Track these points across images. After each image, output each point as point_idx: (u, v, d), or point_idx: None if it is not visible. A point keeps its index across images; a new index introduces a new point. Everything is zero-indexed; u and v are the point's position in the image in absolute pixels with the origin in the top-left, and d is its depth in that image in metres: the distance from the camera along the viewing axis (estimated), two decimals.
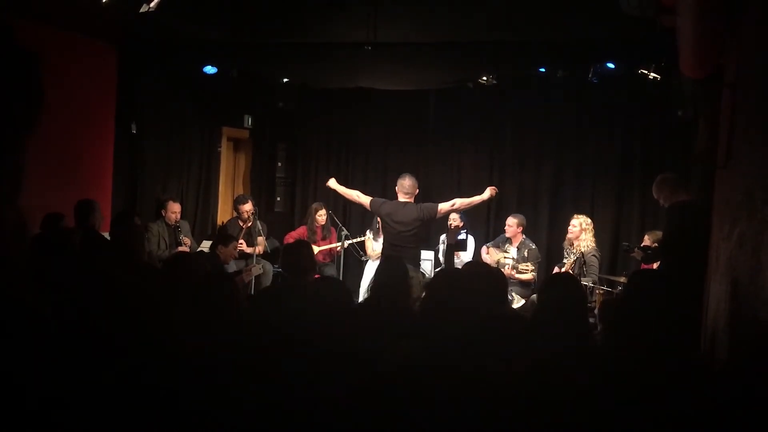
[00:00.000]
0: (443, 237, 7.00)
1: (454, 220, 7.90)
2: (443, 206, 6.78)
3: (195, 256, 6.25)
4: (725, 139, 3.42)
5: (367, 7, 6.07)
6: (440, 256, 8.06)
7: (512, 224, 8.17)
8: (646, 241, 7.11)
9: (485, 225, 9.25)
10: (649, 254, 6.45)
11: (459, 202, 6.94)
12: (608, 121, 8.73)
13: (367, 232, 8.76)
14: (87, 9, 6.02)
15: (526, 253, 8.05)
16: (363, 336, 3.26)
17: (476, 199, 7.03)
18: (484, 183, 9.37)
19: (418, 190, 6.87)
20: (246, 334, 2.95)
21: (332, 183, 7.50)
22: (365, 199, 7.03)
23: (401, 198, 6.74)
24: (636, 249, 6.80)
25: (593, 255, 7.61)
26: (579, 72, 7.79)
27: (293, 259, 4.70)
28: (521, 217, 8.25)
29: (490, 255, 8.20)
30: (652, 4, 4.00)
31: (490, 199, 7.19)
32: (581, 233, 7.71)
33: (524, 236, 8.21)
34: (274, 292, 4.94)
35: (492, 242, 8.50)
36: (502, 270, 7.68)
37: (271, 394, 2.50)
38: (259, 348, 2.81)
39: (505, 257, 8.02)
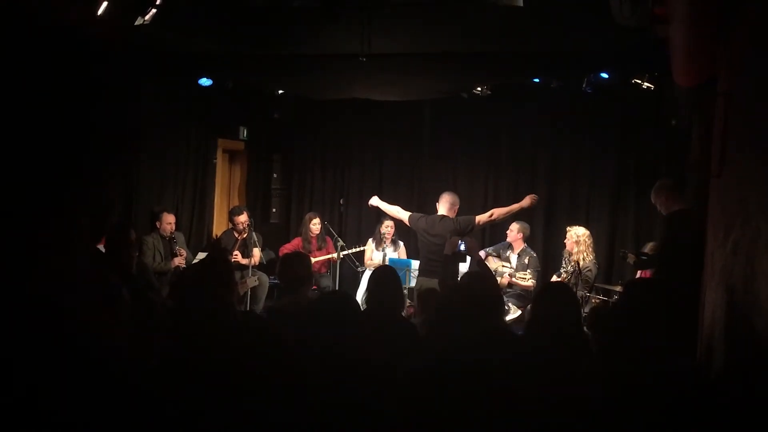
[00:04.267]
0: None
1: None
2: (481, 217, 6.78)
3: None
4: (719, 147, 3.43)
5: (361, 18, 6.09)
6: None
7: (513, 229, 8.20)
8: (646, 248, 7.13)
9: (481, 233, 9.25)
10: (644, 260, 6.45)
11: (497, 212, 6.92)
12: (602, 130, 8.77)
13: (369, 240, 8.76)
14: (83, 22, 6.02)
15: (526, 260, 8.07)
16: (363, 347, 3.25)
17: (515, 206, 6.94)
18: (479, 192, 9.41)
19: (458, 205, 6.86)
20: (249, 343, 2.94)
21: (375, 201, 7.35)
22: (404, 215, 7.02)
23: (440, 212, 6.78)
24: (629, 254, 6.81)
25: (590, 269, 7.61)
26: (573, 82, 7.83)
27: (290, 270, 4.68)
28: (524, 224, 8.29)
29: (489, 262, 8.20)
30: (645, 14, 4.03)
31: (531, 208, 7.04)
32: (573, 246, 7.73)
33: (526, 244, 8.24)
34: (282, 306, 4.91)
35: (492, 248, 8.50)
36: (500, 279, 7.71)
37: (275, 402, 2.49)
38: (266, 358, 2.80)
39: (503, 266, 8.03)
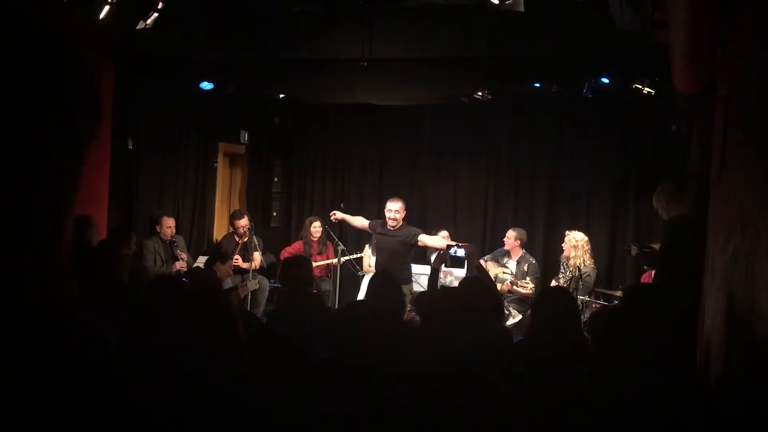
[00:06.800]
0: (433, 257, 6.97)
1: (444, 237, 7.97)
2: (424, 238, 7.10)
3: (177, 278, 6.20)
4: (719, 152, 3.43)
5: (362, 23, 6.10)
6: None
7: (510, 236, 8.18)
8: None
9: (482, 239, 9.26)
10: (646, 253, 6.39)
11: (437, 240, 7.25)
12: (603, 135, 8.77)
13: (366, 247, 8.75)
14: (83, 25, 6.04)
15: (525, 268, 8.04)
16: (360, 348, 3.25)
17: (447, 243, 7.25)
18: (479, 197, 9.42)
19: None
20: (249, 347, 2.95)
21: (339, 215, 7.59)
22: (366, 222, 7.43)
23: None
24: (633, 246, 6.77)
25: (589, 274, 7.60)
26: (574, 87, 7.84)
27: (291, 273, 4.68)
28: (521, 230, 8.27)
29: (489, 269, 8.19)
30: (645, 19, 4.03)
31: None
32: (571, 250, 7.73)
33: (524, 251, 8.22)
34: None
35: (490, 255, 8.50)
36: (500, 285, 7.70)
37: (274, 403, 2.50)
38: (262, 360, 2.80)
39: (504, 272, 8.02)
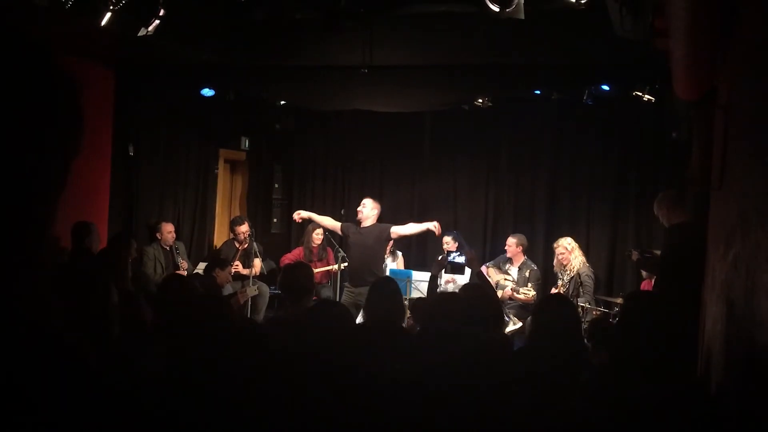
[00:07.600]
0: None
1: (446, 243, 7.95)
2: (396, 229, 7.15)
3: (188, 278, 6.23)
4: (719, 159, 3.43)
5: (363, 30, 6.11)
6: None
7: (511, 244, 8.18)
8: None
9: (482, 245, 9.25)
10: (648, 258, 6.38)
11: (411, 227, 7.28)
12: (603, 142, 8.78)
13: None
14: (85, 32, 6.05)
15: (527, 274, 8.04)
16: (362, 354, 3.25)
17: (423, 226, 7.20)
18: (480, 203, 9.41)
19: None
20: (250, 355, 2.94)
21: (303, 213, 7.70)
22: (337, 224, 7.52)
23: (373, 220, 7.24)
24: (634, 251, 6.77)
25: (587, 275, 7.61)
26: (574, 94, 7.84)
27: (292, 280, 4.66)
28: (521, 236, 8.26)
29: (490, 275, 8.18)
30: (645, 27, 4.04)
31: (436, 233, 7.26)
32: (570, 254, 7.74)
33: (526, 257, 8.21)
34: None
35: (492, 262, 8.49)
36: (501, 291, 7.70)
37: (273, 407, 2.49)
38: (263, 366, 2.80)
39: (505, 279, 8.01)
